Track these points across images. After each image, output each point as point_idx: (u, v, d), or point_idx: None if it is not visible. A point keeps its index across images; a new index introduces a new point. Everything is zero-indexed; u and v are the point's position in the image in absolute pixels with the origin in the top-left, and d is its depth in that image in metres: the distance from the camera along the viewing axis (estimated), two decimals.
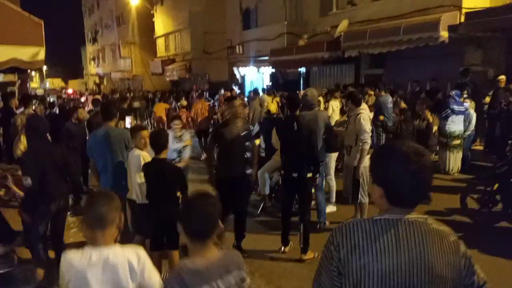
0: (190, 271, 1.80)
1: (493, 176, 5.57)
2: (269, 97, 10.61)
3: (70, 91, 34.33)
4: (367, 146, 5.04)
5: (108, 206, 1.97)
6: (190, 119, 10.84)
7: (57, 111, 10.58)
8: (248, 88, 20.64)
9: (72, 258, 1.93)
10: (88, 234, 1.96)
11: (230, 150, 4.64)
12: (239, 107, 4.86)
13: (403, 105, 8.55)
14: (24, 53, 4.34)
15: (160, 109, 12.59)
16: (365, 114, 5.19)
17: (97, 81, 45.96)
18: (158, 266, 3.91)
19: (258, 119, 10.45)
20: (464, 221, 5.45)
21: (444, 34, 9.22)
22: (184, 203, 2.47)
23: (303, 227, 4.79)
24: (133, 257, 1.98)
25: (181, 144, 5.49)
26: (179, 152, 5.49)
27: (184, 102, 12.36)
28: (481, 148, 9.08)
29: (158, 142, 3.90)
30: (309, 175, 4.70)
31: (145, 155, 4.12)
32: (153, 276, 2.06)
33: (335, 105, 8.91)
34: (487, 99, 8.82)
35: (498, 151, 6.71)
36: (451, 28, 9.19)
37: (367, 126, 5.09)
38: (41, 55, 4.42)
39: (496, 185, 5.49)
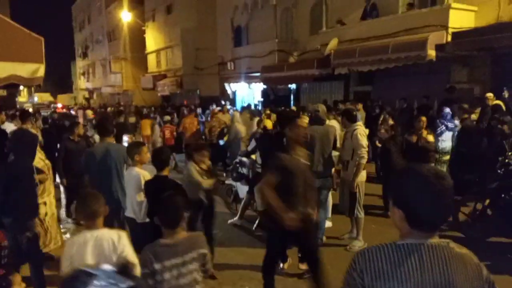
0: (162, 245, 2.48)
1: (484, 191, 5.71)
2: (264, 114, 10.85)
3: (59, 105, 33.98)
4: (363, 161, 5.17)
5: (97, 204, 2.69)
6: (174, 133, 10.95)
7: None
8: (239, 103, 20.82)
9: (74, 239, 2.72)
10: (84, 222, 2.72)
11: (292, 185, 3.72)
12: (302, 128, 3.91)
13: (391, 121, 8.72)
14: (24, 69, 4.37)
15: (145, 125, 12.69)
16: (361, 129, 5.34)
17: (87, 95, 45.73)
18: None
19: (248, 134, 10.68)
20: (456, 236, 5.56)
21: (431, 52, 9.52)
22: (160, 201, 2.89)
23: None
24: (114, 236, 2.65)
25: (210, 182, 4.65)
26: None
27: (167, 117, 12.41)
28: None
29: (161, 159, 3.89)
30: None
31: (145, 174, 4.10)
32: (129, 249, 2.67)
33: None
34: (474, 116, 9.06)
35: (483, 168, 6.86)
36: (438, 47, 9.49)
37: (364, 141, 5.23)
38: (41, 72, 4.46)
39: (488, 201, 5.64)
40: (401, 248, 1.39)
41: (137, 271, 2.39)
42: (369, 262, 1.40)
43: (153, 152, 4.11)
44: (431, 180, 1.36)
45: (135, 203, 4.14)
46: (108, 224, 3.85)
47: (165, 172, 3.94)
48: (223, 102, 18.21)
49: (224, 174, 9.31)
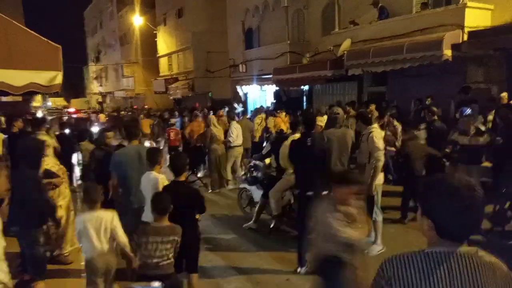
0: (150, 226, 3.54)
1: (504, 194, 5.59)
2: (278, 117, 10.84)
3: (72, 110, 34.23)
4: (380, 164, 5.10)
5: (97, 193, 3.73)
6: (179, 136, 10.99)
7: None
8: (250, 106, 20.81)
9: (81, 217, 3.70)
10: (88, 207, 3.71)
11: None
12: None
13: (396, 123, 8.53)
14: (42, 77, 4.43)
15: (145, 124, 12.98)
16: (377, 132, 5.28)
17: (100, 99, 46.28)
18: None
19: (252, 138, 10.71)
20: (477, 240, 5.45)
21: (447, 52, 9.37)
22: (155, 195, 3.67)
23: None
24: (109, 216, 3.69)
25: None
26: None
27: (173, 120, 12.63)
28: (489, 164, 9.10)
29: (178, 164, 3.90)
30: (325, 192, 4.74)
31: (163, 178, 4.09)
32: (119, 228, 3.74)
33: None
34: (490, 117, 8.88)
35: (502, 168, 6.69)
36: (454, 47, 9.34)
37: (380, 143, 5.15)
38: (59, 79, 4.52)
39: (508, 203, 5.51)
40: (429, 256, 1.39)
41: (128, 247, 3.71)
42: (397, 270, 1.40)
43: (171, 157, 4.15)
44: (463, 192, 1.36)
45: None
46: (132, 223, 4.13)
47: (182, 178, 3.95)
48: (235, 105, 18.22)
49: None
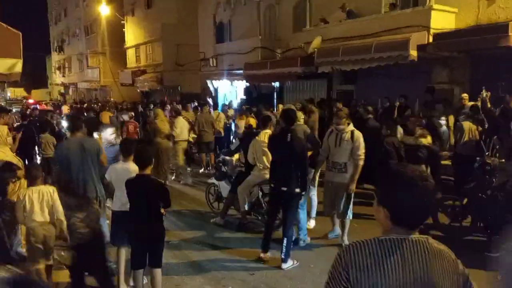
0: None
1: (462, 191, 5.82)
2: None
3: (31, 101, 32.56)
4: (362, 163, 5.19)
5: (37, 171, 4.30)
6: (137, 129, 10.87)
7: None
8: (221, 101, 20.65)
9: (25, 192, 4.13)
10: (30, 183, 4.22)
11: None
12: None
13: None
14: (0, 65, 4.18)
15: (105, 117, 12.77)
16: (358, 131, 5.36)
17: (62, 91, 44.55)
18: (139, 283, 3.94)
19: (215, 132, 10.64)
20: (436, 235, 5.65)
21: (413, 53, 9.64)
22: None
23: (286, 241, 4.84)
24: (51, 189, 4.16)
25: None
26: None
27: (131, 114, 12.85)
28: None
29: (144, 157, 3.82)
30: (297, 190, 4.77)
31: (135, 169, 3.95)
32: (58, 202, 4.16)
33: None
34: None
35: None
36: (420, 48, 9.61)
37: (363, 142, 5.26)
38: (19, 67, 4.26)
39: (466, 200, 5.75)
40: (383, 242, 1.46)
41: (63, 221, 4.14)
42: (354, 256, 1.46)
43: (136, 150, 4.02)
44: (416, 181, 1.45)
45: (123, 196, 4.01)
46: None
47: (147, 171, 3.84)
48: (209, 100, 17.99)
49: None
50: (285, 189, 4.78)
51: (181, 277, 4.75)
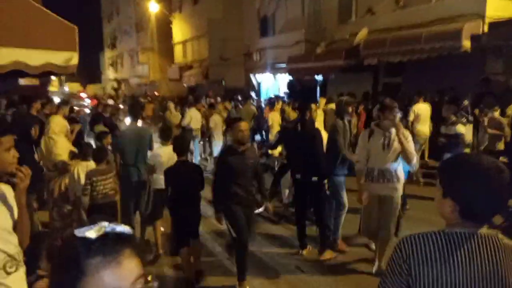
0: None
1: None
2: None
3: (83, 95, 34.09)
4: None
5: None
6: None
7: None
8: (264, 95, 20.73)
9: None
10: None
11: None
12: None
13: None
14: (58, 58, 4.48)
15: (148, 109, 15.14)
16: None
17: (115, 86, 46.62)
18: (188, 260, 4.39)
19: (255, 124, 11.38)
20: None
21: (466, 43, 9.16)
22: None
23: (319, 231, 4.83)
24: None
25: None
26: None
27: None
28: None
29: (182, 145, 4.33)
30: (315, 178, 4.73)
31: (170, 152, 4.51)
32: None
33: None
34: (510, 111, 8.67)
35: None
36: (474, 38, 9.11)
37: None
38: (75, 60, 4.57)
39: None
40: (450, 236, 1.39)
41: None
42: (416, 248, 1.39)
43: (174, 139, 4.60)
44: (492, 174, 1.35)
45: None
46: (136, 195, 4.97)
47: (184, 157, 4.37)
48: (252, 94, 18.15)
49: None
50: (298, 176, 4.82)
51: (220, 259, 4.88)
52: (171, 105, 11.42)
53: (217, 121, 10.40)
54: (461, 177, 1.41)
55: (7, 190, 2.06)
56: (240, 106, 13.06)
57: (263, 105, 14.43)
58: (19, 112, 8.61)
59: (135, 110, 5.51)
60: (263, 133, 12.20)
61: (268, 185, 6.72)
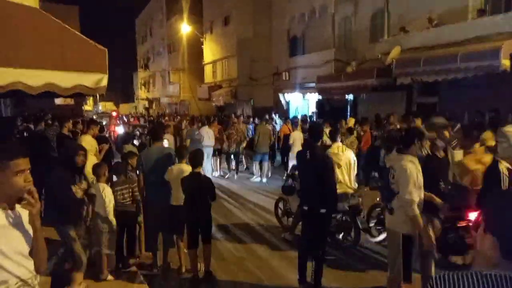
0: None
1: None
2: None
3: (114, 114, 34.74)
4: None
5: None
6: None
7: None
8: (292, 114, 20.61)
9: None
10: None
11: None
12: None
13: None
14: (88, 79, 4.54)
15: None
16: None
17: (147, 105, 47.90)
18: (195, 260, 4.89)
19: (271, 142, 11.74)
20: None
21: (505, 62, 8.71)
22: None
23: (314, 264, 4.53)
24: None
25: None
26: None
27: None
28: None
29: (196, 159, 4.82)
30: (322, 210, 4.40)
31: (187, 169, 4.92)
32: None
33: None
34: None
35: None
36: None
37: None
38: (104, 82, 4.61)
39: None
40: (489, 278, 1.25)
41: None
42: (450, 287, 1.27)
43: (190, 153, 5.00)
44: None
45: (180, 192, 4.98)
46: (157, 212, 5.05)
47: (198, 169, 4.85)
48: (273, 114, 18.09)
49: None
50: (306, 208, 4.54)
51: None
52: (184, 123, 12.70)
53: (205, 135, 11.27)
54: (504, 211, 1.28)
55: (24, 214, 1.99)
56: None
57: (276, 124, 14.63)
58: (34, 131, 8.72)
59: (157, 131, 5.67)
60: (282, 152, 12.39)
61: (295, 207, 6.51)
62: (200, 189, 4.73)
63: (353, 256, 5.71)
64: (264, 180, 11.18)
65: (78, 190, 4.22)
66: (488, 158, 4.31)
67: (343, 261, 5.51)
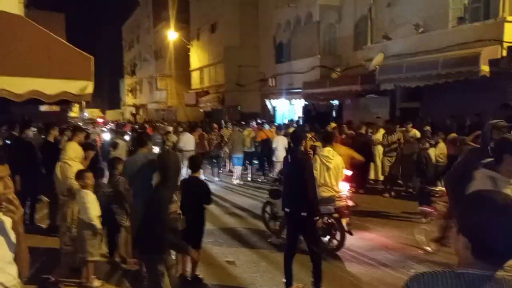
0: None
1: None
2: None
3: (99, 120, 34.45)
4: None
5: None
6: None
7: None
8: (279, 119, 20.76)
9: None
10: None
11: None
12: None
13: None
14: (74, 86, 4.57)
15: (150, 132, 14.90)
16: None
17: (134, 111, 47.63)
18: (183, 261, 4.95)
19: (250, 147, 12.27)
20: None
21: (484, 68, 9.02)
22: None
23: (312, 265, 4.61)
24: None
25: None
26: None
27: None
28: None
29: (195, 164, 5.00)
30: (303, 214, 4.47)
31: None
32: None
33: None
34: None
35: None
36: (492, 62, 8.97)
37: None
38: (90, 89, 4.65)
39: None
40: (461, 278, 1.27)
41: None
42: (426, 286, 1.29)
43: (189, 159, 5.24)
44: (510, 211, 1.24)
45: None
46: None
47: (196, 174, 5.01)
48: (258, 120, 18.20)
49: None
50: (287, 210, 4.64)
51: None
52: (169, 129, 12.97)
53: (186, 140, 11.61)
54: (475, 213, 1.30)
55: (7, 220, 2.01)
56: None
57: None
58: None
59: (142, 137, 5.59)
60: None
61: (281, 212, 6.58)
62: (197, 193, 4.79)
63: (338, 259, 5.80)
64: (236, 181, 12.01)
65: None
66: None
67: (329, 264, 5.59)
